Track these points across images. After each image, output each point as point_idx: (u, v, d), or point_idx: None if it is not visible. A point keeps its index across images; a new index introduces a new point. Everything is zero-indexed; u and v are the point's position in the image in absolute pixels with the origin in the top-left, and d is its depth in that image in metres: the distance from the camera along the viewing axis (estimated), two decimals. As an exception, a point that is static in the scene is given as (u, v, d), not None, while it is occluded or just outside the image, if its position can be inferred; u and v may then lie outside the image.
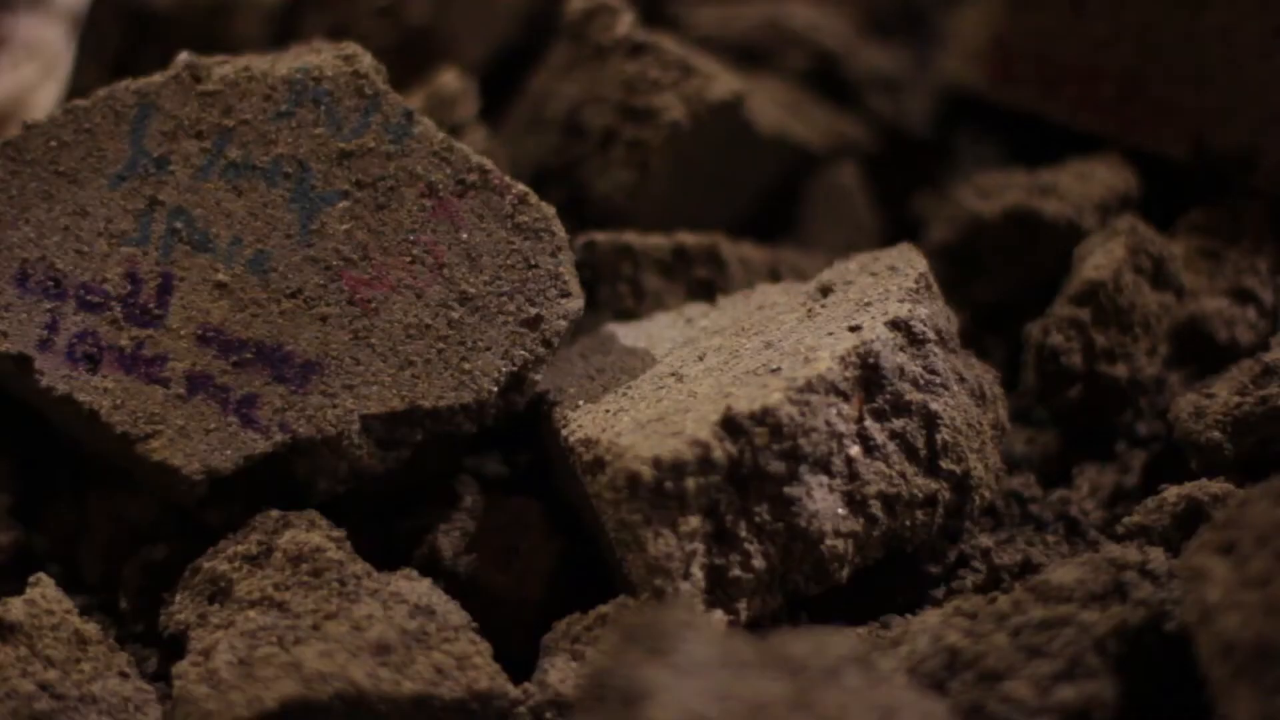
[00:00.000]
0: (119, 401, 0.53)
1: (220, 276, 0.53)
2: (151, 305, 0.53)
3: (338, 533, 0.51)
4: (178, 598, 0.52)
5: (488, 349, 0.53)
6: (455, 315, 0.52)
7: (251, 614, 0.49)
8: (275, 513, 0.52)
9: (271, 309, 0.53)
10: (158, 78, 0.55)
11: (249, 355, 0.53)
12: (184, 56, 0.55)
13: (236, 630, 0.49)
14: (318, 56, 0.55)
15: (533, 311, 0.53)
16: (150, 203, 0.54)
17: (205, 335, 0.53)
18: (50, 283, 0.54)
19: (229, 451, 0.52)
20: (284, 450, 0.52)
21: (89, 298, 0.53)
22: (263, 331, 0.53)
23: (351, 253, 0.53)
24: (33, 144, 0.54)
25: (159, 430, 0.52)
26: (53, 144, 0.54)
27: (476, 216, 0.53)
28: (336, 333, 0.53)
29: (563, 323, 0.53)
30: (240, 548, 0.51)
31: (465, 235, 0.53)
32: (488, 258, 0.53)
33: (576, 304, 0.54)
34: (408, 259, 0.53)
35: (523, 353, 0.53)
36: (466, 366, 0.52)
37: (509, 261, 0.53)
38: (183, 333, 0.53)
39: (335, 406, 0.52)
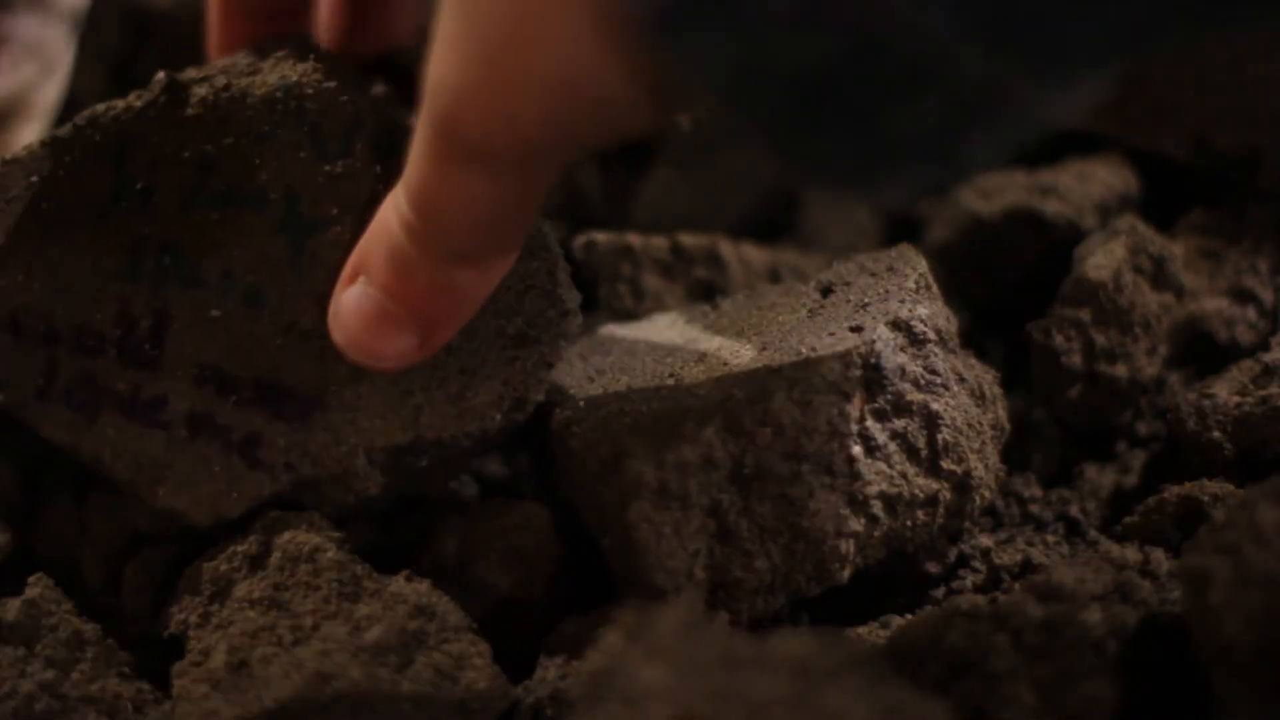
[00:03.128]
0: (121, 448, 0.51)
1: (214, 312, 0.51)
2: (146, 346, 0.51)
3: (338, 533, 0.51)
4: (178, 598, 0.52)
5: (489, 376, 0.51)
6: (453, 342, 0.50)
7: (251, 614, 0.49)
8: (275, 513, 0.52)
9: (268, 344, 0.51)
10: (137, 103, 0.51)
11: (248, 394, 0.51)
12: (160, 76, 0.52)
13: (237, 630, 0.49)
14: (297, 69, 0.51)
15: (531, 334, 0.51)
16: (137, 238, 0.51)
17: (203, 374, 0.51)
18: (43, 327, 0.51)
19: (236, 495, 0.51)
20: (290, 488, 0.51)
21: (83, 341, 0.51)
22: (261, 368, 0.51)
23: None
24: (13, 181, 0.51)
25: (164, 476, 0.51)
26: (34, 179, 0.51)
27: None
28: (335, 366, 0.50)
29: (561, 343, 0.52)
30: (240, 548, 0.51)
31: None
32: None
33: (575, 322, 0.52)
34: None
35: (523, 376, 0.51)
36: (469, 395, 0.51)
37: (504, 283, 0.50)
38: (180, 373, 0.51)
39: (339, 443, 0.51)
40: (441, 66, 0.42)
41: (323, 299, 0.50)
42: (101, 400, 0.51)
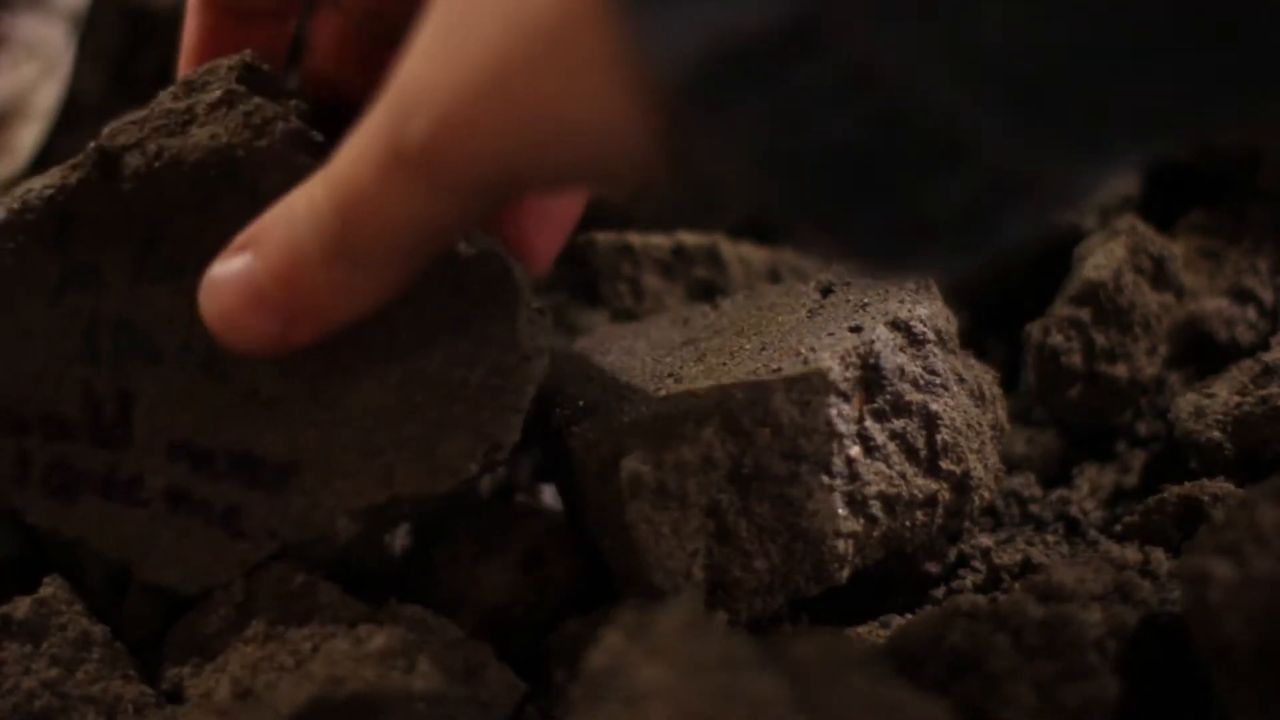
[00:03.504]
0: (104, 529, 0.50)
1: (176, 386, 0.50)
2: (115, 426, 0.50)
3: (319, 572, 0.51)
4: (168, 652, 0.51)
5: (457, 428, 0.49)
6: (417, 397, 0.48)
7: (248, 649, 0.48)
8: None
9: (233, 414, 0.49)
10: (71, 178, 0.50)
11: (222, 466, 0.49)
12: (90, 147, 0.50)
13: (236, 666, 0.48)
14: (229, 125, 0.49)
15: (494, 382, 0.49)
16: (92, 318, 0.50)
17: (175, 450, 0.50)
18: (10, 417, 0.50)
19: (222, 566, 0.50)
20: (275, 553, 0.50)
21: (52, 427, 0.50)
22: (230, 439, 0.49)
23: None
24: None
25: (149, 552, 0.50)
26: None
27: (423, 287, 0.47)
28: (303, 430, 0.49)
29: (529, 386, 0.49)
30: (225, 598, 0.50)
31: (414, 307, 0.48)
32: (441, 331, 0.48)
33: (540, 365, 0.49)
34: (359, 339, 0.48)
35: (493, 425, 0.49)
36: (440, 450, 0.49)
37: (462, 332, 0.48)
38: (152, 450, 0.50)
39: (317, 507, 0.49)
40: (422, 73, 0.40)
41: (282, 363, 0.48)
42: (79, 484, 0.50)
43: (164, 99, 0.51)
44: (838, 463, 0.49)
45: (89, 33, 0.77)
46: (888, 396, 0.50)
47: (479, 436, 0.49)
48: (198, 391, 0.49)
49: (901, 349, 0.51)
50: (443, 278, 0.48)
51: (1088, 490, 0.59)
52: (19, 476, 0.51)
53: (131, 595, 0.54)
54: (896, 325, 0.51)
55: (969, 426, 0.52)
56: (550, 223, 0.53)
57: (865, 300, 0.53)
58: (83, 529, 0.51)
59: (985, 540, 0.56)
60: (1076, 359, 0.59)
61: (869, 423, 0.50)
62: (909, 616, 0.52)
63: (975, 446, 0.52)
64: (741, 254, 0.65)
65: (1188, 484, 0.54)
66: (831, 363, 0.49)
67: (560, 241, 0.54)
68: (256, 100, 0.49)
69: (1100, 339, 0.59)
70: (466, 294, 0.49)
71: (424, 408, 0.49)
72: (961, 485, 0.52)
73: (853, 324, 0.51)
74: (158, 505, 0.50)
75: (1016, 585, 0.49)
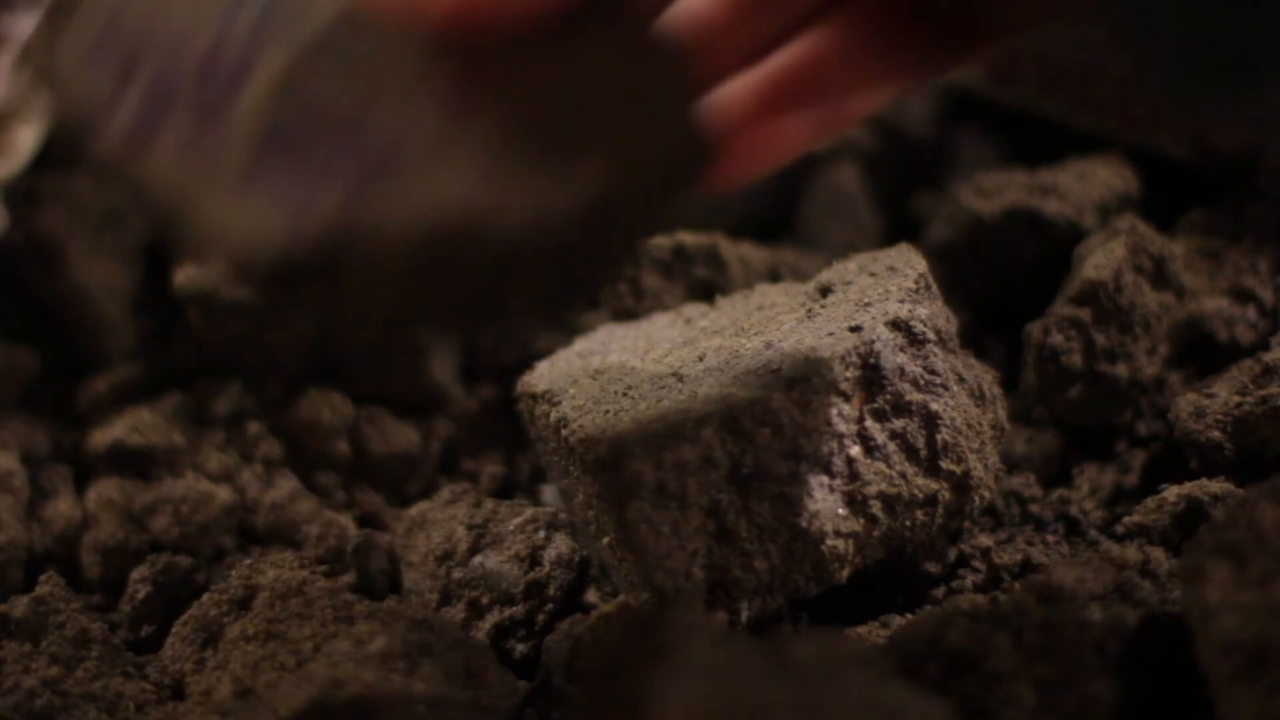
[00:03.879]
0: (163, 178, 0.47)
1: (303, 70, 0.46)
2: (224, 93, 0.47)
3: (321, 567, 0.51)
4: (169, 649, 0.51)
5: (580, 179, 0.44)
6: (558, 137, 0.44)
7: (250, 647, 0.48)
8: (251, 559, 0.51)
9: (355, 86, 0.45)
10: None
11: (322, 125, 0.45)
12: None
13: (237, 664, 0.48)
14: None
15: (659, 128, 0.44)
16: None
17: (272, 130, 0.46)
18: (130, 50, 0.48)
19: (260, 242, 0.45)
20: (337, 239, 0.45)
21: (164, 70, 0.48)
22: (343, 107, 0.45)
23: (458, 41, 0.44)
24: None
25: (191, 213, 0.46)
26: None
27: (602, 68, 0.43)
28: (421, 123, 0.44)
29: (662, 191, 0.45)
30: (225, 595, 0.50)
31: (590, 43, 0.44)
32: (609, 74, 0.44)
33: (694, 173, 0.44)
34: (520, 58, 0.44)
35: (621, 180, 0.44)
36: (548, 192, 0.43)
37: (637, 81, 0.44)
38: (249, 126, 0.46)
39: (397, 203, 0.44)
40: None
41: (431, 57, 0.44)
42: (161, 130, 0.47)
43: None
44: (838, 463, 0.49)
45: (89, 32, 0.77)
46: (888, 396, 0.50)
47: (600, 192, 0.44)
48: (323, 76, 0.46)
49: (901, 349, 0.51)
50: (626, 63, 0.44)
51: (1088, 490, 0.59)
52: (110, 106, 0.48)
53: (131, 589, 0.54)
54: (896, 325, 0.51)
55: (969, 426, 0.52)
56: (763, 136, 0.48)
57: (866, 300, 0.53)
58: (143, 172, 0.47)
59: (985, 540, 0.56)
60: (1076, 359, 0.59)
61: (869, 422, 0.50)
62: (909, 616, 0.52)
63: (975, 446, 0.52)
64: (741, 254, 0.65)
65: (1188, 484, 0.54)
66: (832, 363, 0.49)
67: (765, 164, 0.49)
68: None
69: (1100, 339, 0.59)
70: (646, 85, 0.44)
71: (558, 143, 0.44)
72: (961, 485, 0.52)
73: (853, 324, 0.51)
74: (229, 175, 0.46)
75: (1016, 585, 0.49)
